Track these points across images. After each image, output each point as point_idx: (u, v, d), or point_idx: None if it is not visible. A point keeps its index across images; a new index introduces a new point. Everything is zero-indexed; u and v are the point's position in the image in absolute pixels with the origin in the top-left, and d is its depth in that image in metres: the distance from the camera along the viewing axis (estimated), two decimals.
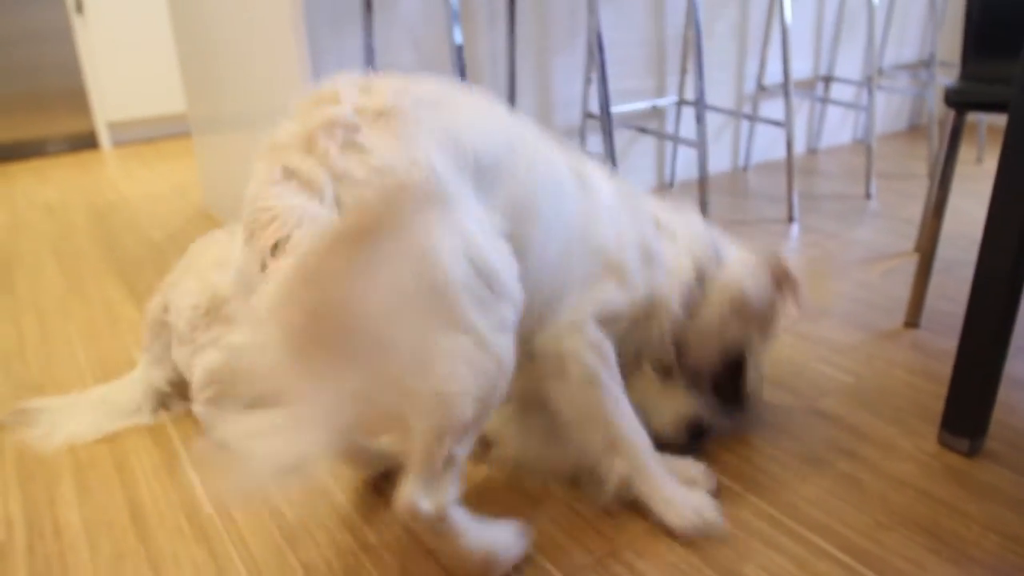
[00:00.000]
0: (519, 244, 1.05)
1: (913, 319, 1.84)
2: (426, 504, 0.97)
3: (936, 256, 1.81)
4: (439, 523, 0.99)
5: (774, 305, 1.37)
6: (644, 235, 1.31)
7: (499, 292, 0.96)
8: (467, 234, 0.93)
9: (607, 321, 1.22)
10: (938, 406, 1.40)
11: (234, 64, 2.34)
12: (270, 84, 2.13)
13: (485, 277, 0.94)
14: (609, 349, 1.22)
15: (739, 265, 1.37)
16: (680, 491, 1.21)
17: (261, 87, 2.19)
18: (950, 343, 1.73)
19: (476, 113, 1.08)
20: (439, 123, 0.99)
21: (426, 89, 1.05)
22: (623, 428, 1.21)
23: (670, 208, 1.41)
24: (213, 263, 1.48)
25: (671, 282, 1.32)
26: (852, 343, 1.75)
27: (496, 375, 0.96)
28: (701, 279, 1.34)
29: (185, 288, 1.48)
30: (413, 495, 0.96)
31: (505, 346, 0.97)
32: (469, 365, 0.92)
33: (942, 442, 1.38)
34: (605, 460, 1.22)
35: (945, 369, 1.61)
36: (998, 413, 1.44)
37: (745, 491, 1.27)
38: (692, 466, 1.27)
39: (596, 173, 1.30)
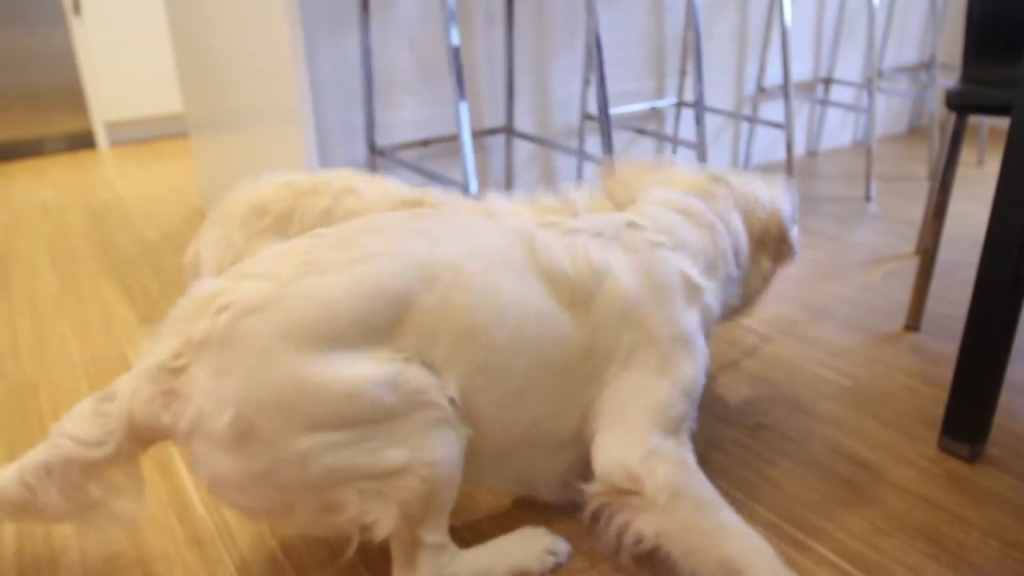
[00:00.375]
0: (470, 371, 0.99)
1: (914, 322, 1.82)
2: None
3: (937, 259, 1.80)
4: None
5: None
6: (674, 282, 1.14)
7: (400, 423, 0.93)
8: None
9: (674, 423, 1.06)
10: (939, 411, 1.39)
11: (231, 64, 2.33)
12: (267, 84, 2.11)
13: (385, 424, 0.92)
14: (688, 454, 1.05)
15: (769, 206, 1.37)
16: None
17: (258, 87, 2.18)
18: (951, 347, 1.72)
19: (351, 274, 0.94)
20: (268, 326, 0.90)
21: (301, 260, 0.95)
22: (734, 546, 0.97)
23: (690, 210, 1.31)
24: (241, 216, 1.43)
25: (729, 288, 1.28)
26: (851, 346, 1.74)
27: (411, 494, 0.94)
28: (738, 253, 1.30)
29: (210, 238, 1.48)
30: None
31: (416, 469, 0.93)
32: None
33: (943, 447, 1.36)
34: None
35: (946, 373, 1.60)
36: (999, 418, 1.43)
37: (745, 497, 1.26)
38: None
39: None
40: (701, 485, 1.02)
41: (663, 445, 1.02)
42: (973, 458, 1.34)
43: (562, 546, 1.13)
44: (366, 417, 0.90)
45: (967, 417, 1.32)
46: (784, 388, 1.58)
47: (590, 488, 1.04)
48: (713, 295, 1.20)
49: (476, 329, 0.97)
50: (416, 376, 0.93)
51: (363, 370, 0.90)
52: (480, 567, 1.06)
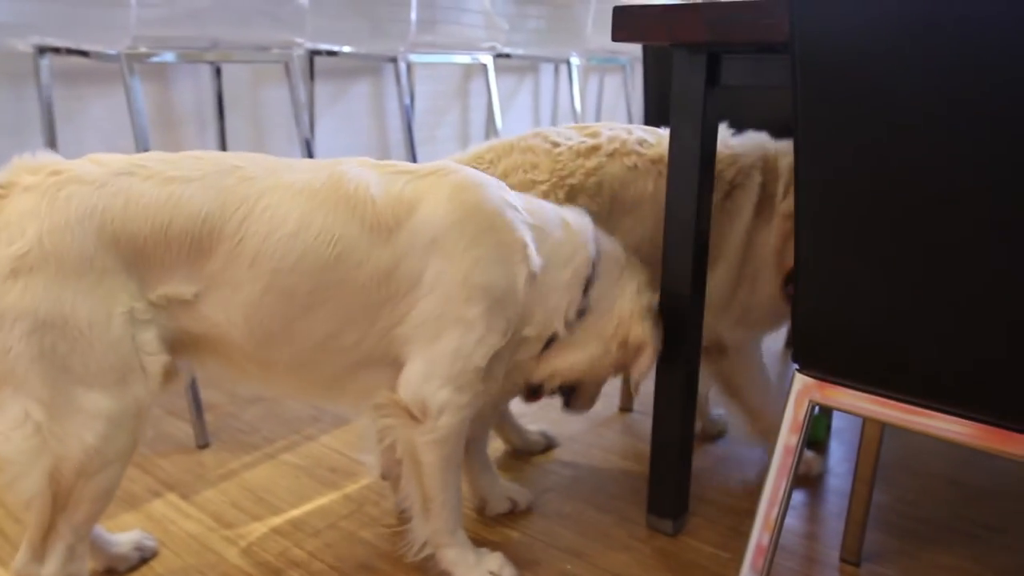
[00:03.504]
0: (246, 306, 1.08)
1: (627, 404, 1.95)
2: (39, 572, 1.06)
3: None
4: None
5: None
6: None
7: (82, 373, 1.00)
8: (59, 310, 0.98)
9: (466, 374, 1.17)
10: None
11: None
12: None
13: (62, 356, 0.98)
14: (467, 413, 1.19)
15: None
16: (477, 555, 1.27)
17: None
18: None
19: (154, 189, 1.04)
20: (86, 200, 1.00)
21: (109, 167, 1.05)
22: (445, 495, 1.22)
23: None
24: None
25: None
26: (572, 433, 1.81)
27: (59, 452, 1.01)
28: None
29: None
30: (20, 560, 1.06)
31: (68, 425, 1.00)
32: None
33: (650, 525, 1.44)
34: (417, 518, 1.24)
35: None
36: (695, 488, 1.53)
37: None
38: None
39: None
40: (458, 442, 1.21)
41: (454, 397, 1.16)
42: (676, 532, 1.42)
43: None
44: (87, 342, 0.99)
45: (666, 492, 1.41)
46: (515, 477, 1.59)
47: (386, 395, 1.18)
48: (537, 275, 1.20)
49: (262, 255, 1.06)
50: (149, 341, 1.04)
51: (116, 308, 1.01)
52: None
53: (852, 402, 0.93)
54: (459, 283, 1.12)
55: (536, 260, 1.18)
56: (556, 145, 1.43)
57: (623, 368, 1.34)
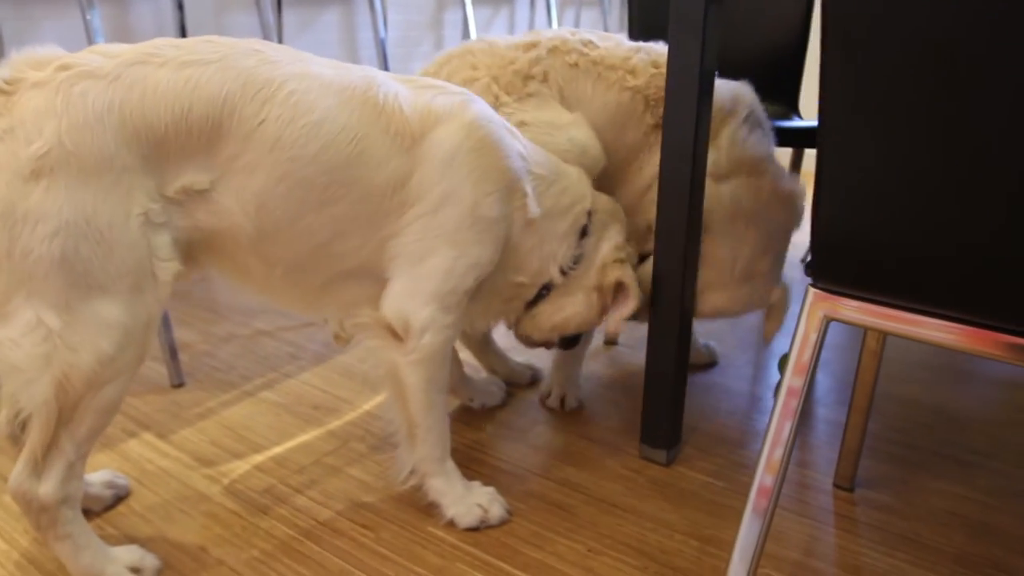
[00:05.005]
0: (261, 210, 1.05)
1: (612, 337, 1.91)
2: (37, 487, 0.99)
3: None
4: (43, 513, 1.01)
5: None
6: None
7: (101, 278, 0.95)
8: (82, 211, 0.93)
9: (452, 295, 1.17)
10: (639, 420, 1.44)
11: None
12: None
13: (84, 260, 0.93)
14: (451, 333, 1.19)
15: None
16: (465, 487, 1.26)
17: None
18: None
19: (173, 79, 0.99)
20: (103, 95, 0.95)
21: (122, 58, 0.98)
22: (428, 419, 1.21)
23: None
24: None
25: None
26: None
27: (71, 361, 0.95)
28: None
29: None
30: (18, 475, 1.00)
31: (83, 332, 0.95)
32: (32, 348, 0.94)
33: (643, 456, 1.42)
34: (403, 445, 1.23)
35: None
36: (688, 418, 1.52)
37: (459, 540, 1.20)
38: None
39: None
40: (443, 363, 1.19)
41: (439, 316, 1.15)
42: (670, 462, 1.40)
43: None
44: (108, 245, 0.95)
45: (660, 424, 1.39)
46: (493, 416, 1.56)
47: (367, 312, 1.17)
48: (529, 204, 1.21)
49: (283, 140, 1.03)
50: (163, 246, 1.00)
51: (134, 209, 0.96)
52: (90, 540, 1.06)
53: (861, 316, 0.89)
54: (467, 210, 1.13)
55: (535, 209, 1.22)
56: (494, 44, 1.40)
57: (606, 312, 1.36)
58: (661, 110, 1.30)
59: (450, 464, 1.24)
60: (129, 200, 0.96)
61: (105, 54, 0.98)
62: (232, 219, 1.05)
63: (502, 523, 1.23)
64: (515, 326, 1.40)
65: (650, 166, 1.40)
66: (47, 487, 0.99)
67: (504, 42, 1.40)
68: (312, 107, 1.04)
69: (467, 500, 1.22)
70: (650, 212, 1.35)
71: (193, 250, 1.08)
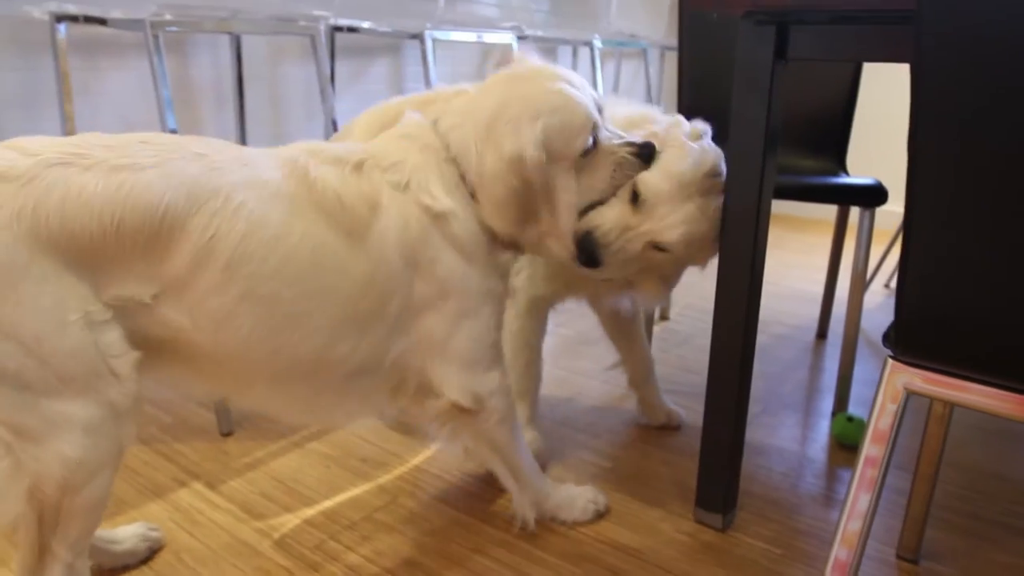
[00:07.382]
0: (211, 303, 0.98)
1: (664, 311, 1.89)
2: None
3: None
4: None
5: None
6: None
7: (43, 387, 0.89)
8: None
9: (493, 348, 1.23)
10: (694, 483, 1.41)
11: None
12: None
13: (15, 375, 0.87)
14: (506, 382, 1.26)
15: None
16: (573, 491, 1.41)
17: None
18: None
19: (104, 181, 0.91)
20: (12, 200, 0.87)
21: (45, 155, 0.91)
22: (523, 460, 1.32)
23: None
24: (359, 133, 1.45)
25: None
26: (609, 426, 1.75)
27: (36, 470, 0.91)
28: None
29: None
30: None
31: (42, 441, 0.90)
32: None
33: (698, 519, 1.38)
34: (514, 493, 1.34)
35: (699, 444, 1.66)
36: (744, 483, 1.48)
37: None
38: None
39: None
40: (513, 408, 1.29)
41: (498, 377, 1.23)
42: (726, 527, 1.37)
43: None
44: (38, 356, 0.88)
45: (716, 488, 1.36)
46: (552, 475, 1.54)
47: (434, 405, 1.20)
48: (461, 221, 1.15)
49: (242, 258, 0.97)
50: (113, 343, 0.93)
51: (68, 316, 0.89)
52: None
53: (935, 388, 0.87)
54: (473, 289, 1.16)
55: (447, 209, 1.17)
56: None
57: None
58: None
59: (549, 481, 1.39)
60: (60, 308, 0.88)
61: (23, 151, 0.89)
62: (187, 336, 0.99)
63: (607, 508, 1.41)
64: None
65: None
66: None
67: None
68: (265, 220, 0.98)
69: (578, 503, 1.38)
70: None
71: (152, 351, 1.00)
